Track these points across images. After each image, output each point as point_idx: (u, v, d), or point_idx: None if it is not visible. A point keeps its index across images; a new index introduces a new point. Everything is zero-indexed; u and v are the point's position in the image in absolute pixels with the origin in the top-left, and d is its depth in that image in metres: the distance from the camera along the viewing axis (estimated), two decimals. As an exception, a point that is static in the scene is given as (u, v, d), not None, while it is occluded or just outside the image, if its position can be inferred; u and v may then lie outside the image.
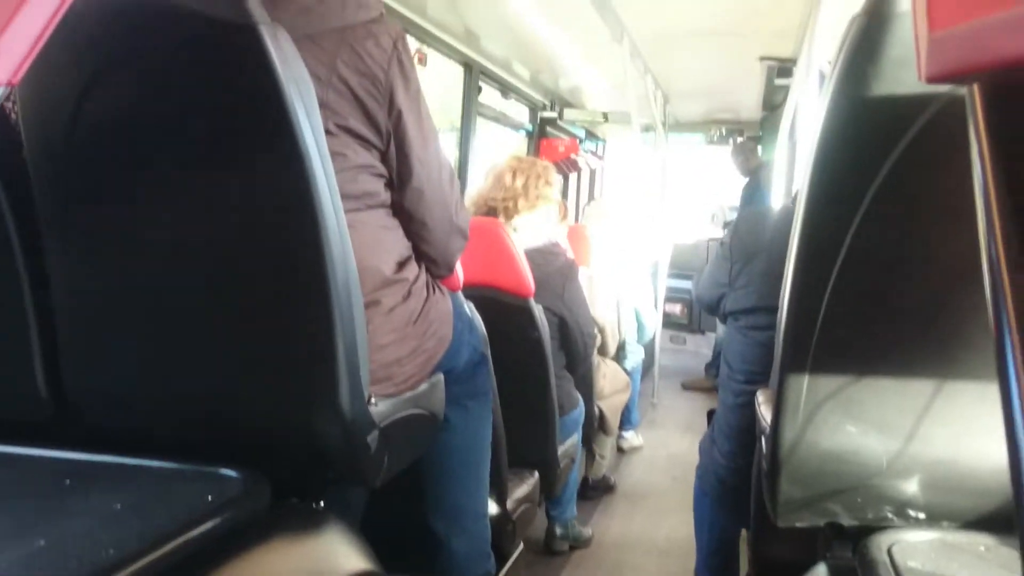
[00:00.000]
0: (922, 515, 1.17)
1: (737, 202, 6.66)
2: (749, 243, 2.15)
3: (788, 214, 2.12)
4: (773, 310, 2.02)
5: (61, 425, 1.26)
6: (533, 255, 2.70)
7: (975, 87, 0.56)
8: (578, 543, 3.28)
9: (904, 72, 0.88)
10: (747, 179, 6.46)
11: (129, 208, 1.17)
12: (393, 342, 1.37)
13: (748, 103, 6.17)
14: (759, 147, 6.63)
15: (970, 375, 1.04)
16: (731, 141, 6.80)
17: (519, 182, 2.79)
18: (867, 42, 0.90)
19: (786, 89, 4.68)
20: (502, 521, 2.24)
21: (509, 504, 2.30)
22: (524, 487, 2.49)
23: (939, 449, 1.11)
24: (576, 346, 2.87)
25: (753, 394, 1.79)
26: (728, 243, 2.23)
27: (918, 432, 1.09)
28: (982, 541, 1.12)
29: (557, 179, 2.97)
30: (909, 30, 0.90)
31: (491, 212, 2.78)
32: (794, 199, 2.14)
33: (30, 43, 0.66)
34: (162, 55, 1.09)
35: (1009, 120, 0.54)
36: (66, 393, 1.25)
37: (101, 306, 1.23)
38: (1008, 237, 0.51)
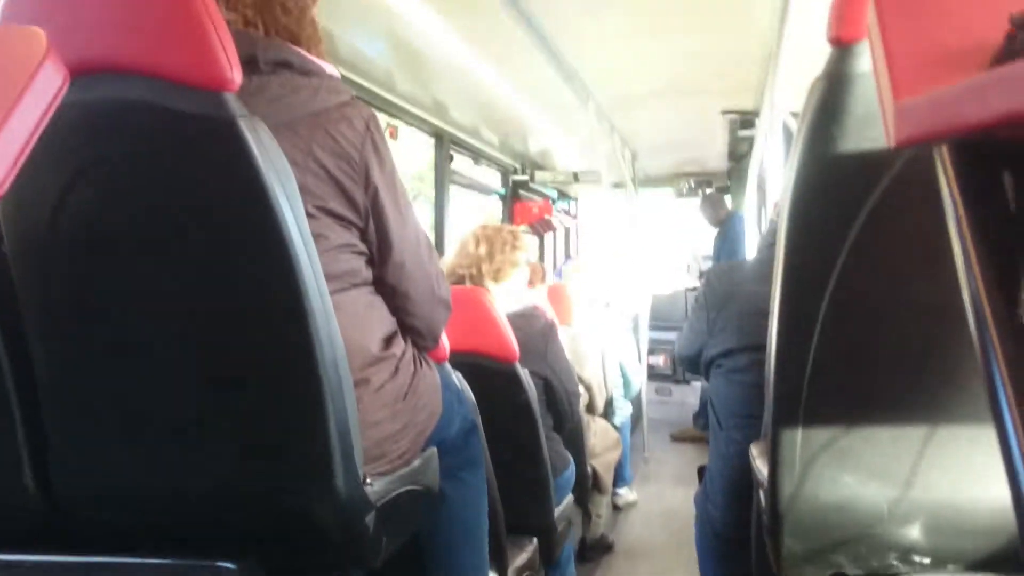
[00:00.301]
0: (927, 560, 1.17)
1: (711, 251, 6.73)
2: (721, 290, 2.20)
3: (758, 262, 2.17)
4: (751, 349, 2.06)
5: (52, 528, 1.24)
6: (513, 319, 2.71)
7: (944, 149, 0.58)
8: None
9: (869, 129, 0.91)
10: (718, 229, 6.54)
11: (114, 303, 1.17)
12: (384, 419, 1.37)
13: (714, 155, 6.28)
14: (727, 197, 6.74)
15: (963, 417, 1.05)
16: (700, 193, 6.90)
17: (483, 249, 2.80)
18: (830, 104, 0.93)
19: (750, 140, 4.78)
20: (504, 592, 2.21)
21: (510, 574, 2.27)
22: (524, 555, 2.46)
23: (938, 493, 1.11)
24: (562, 405, 2.86)
25: (743, 443, 1.80)
26: (703, 294, 2.27)
27: (916, 477, 1.10)
28: None
29: (532, 241, 3.00)
30: (870, 89, 0.93)
31: (459, 281, 2.79)
32: (761, 250, 2.19)
33: (13, 158, 0.67)
34: (143, 152, 1.10)
35: (979, 176, 0.56)
36: (56, 495, 1.23)
37: (89, 403, 1.22)
38: (990, 290, 0.52)
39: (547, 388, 2.80)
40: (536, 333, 2.80)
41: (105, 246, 1.15)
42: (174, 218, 1.12)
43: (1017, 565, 1.14)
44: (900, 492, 1.12)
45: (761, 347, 1.19)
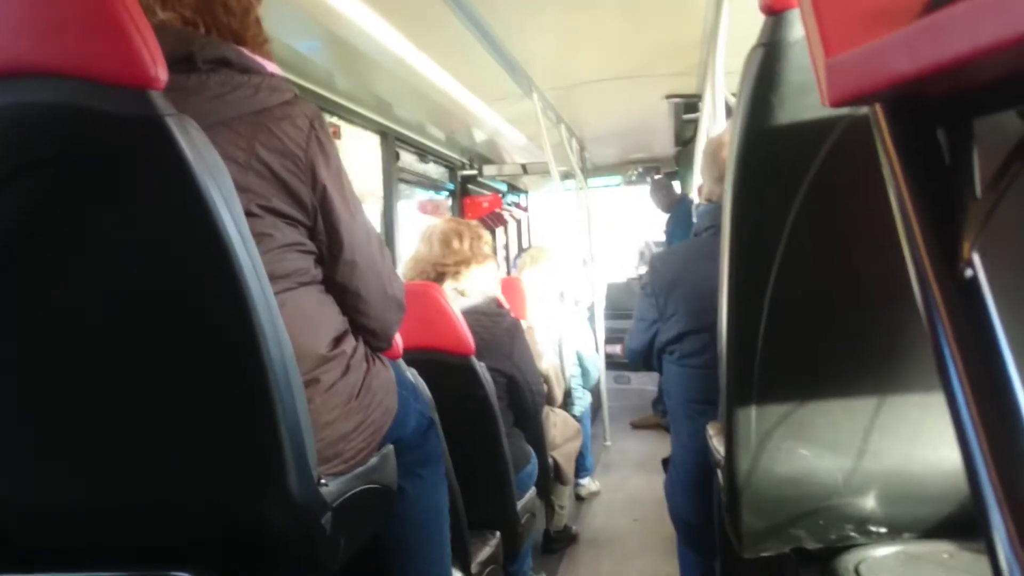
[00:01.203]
0: (883, 529, 1.18)
1: (663, 237, 6.78)
2: (667, 275, 2.20)
3: (695, 243, 2.18)
4: (703, 330, 2.07)
5: (-4, 549, 1.20)
6: (478, 317, 2.70)
7: (877, 107, 0.58)
8: None
9: (807, 98, 0.91)
10: (669, 214, 6.58)
11: (44, 313, 1.13)
12: (337, 419, 1.34)
13: (660, 141, 6.32)
14: (676, 182, 6.79)
15: (912, 385, 1.06)
16: (648, 180, 6.94)
17: (466, 244, 2.82)
18: (767, 72, 0.93)
19: (695, 123, 4.81)
20: (469, 587, 2.19)
21: (473, 568, 2.26)
22: (487, 549, 2.45)
23: (891, 462, 1.12)
24: (526, 404, 2.85)
25: (703, 430, 1.80)
26: (648, 282, 2.27)
27: (869, 447, 1.11)
28: (944, 548, 1.13)
29: (486, 235, 3.00)
30: (805, 57, 0.93)
31: (440, 277, 2.78)
32: (697, 233, 2.20)
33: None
34: (68, 157, 1.06)
35: (913, 133, 0.56)
36: (-2, 514, 1.19)
37: (27, 417, 1.18)
38: (931, 247, 0.52)
39: (511, 386, 2.79)
40: (502, 332, 2.79)
41: (33, 256, 1.11)
42: (105, 224, 1.08)
43: (967, 531, 1.16)
44: (854, 463, 1.12)
45: (713, 327, 1.19)
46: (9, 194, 1.08)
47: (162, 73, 1.01)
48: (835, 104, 0.57)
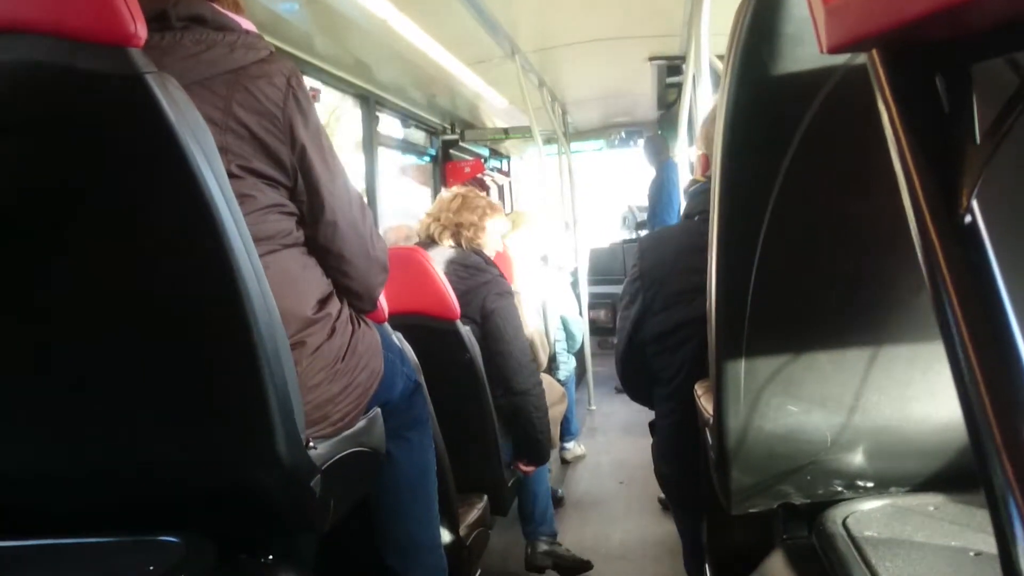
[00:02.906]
0: (871, 484, 1.19)
1: (645, 202, 6.77)
2: (657, 267, 2.11)
3: (687, 229, 2.11)
4: (695, 321, 2.01)
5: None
6: (456, 267, 2.73)
7: (875, 53, 0.57)
8: (564, 563, 3.11)
9: (800, 49, 0.90)
10: (653, 178, 6.57)
11: (28, 274, 1.11)
12: (324, 381, 1.34)
13: (643, 104, 6.30)
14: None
15: (900, 338, 1.06)
16: (632, 143, 6.93)
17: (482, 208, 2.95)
18: (760, 23, 0.92)
19: (678, 87, 4.78)
20: (457, 549, 2.21)
21: (462, 531, 2.27)
22: (475, 512, 2.46)
23: (879, 417, 1.13)
24: (506, 367, 2.82)
25: (688, 396, 1.80)
26: (638, 273, 2.16)
27: (858, 402, 1.11)
28: (931, 501, 1.14)
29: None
30: (799, 7, 0.92)
31: (458, 231, 2.86)
32: (689, 215, 2.13)
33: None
34: (47, 116, 1.04)
35: (912, 80, 0.55)
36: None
37: (12, 381, 1.17)
38: (929, 194, 0.51)
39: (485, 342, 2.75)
40: (478, 285, 2.78)
41: (13, 218, 1.09)
42: (86, 184, 1.06)
43: (955, 484, 1.17)
44: (843, 418, 1.13)
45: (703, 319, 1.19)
46: (-12, 155, 1.06)
47: (141, 30, 0.99)
48: (832, 50, 0.56)
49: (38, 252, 1.10)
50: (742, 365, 1.12)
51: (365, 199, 4.16)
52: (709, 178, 2.05)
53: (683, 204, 2.33)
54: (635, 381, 2.36)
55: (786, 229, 1.01)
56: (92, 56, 0.98)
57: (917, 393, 1.09)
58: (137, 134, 1.03)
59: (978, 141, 0.51)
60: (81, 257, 1.10)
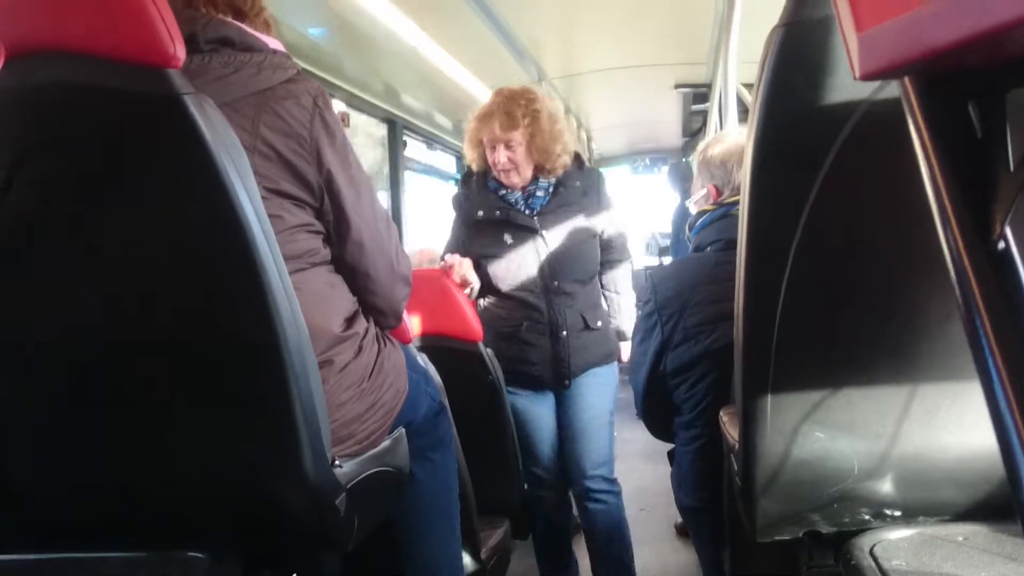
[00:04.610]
0: (898, 513, 1.18)
1: (669, 228, 6.76)
2: (674, 299, 2.08)
3: (700, 261, 2.10)
4: (717, 352, 1.98)
5: (15, 527, 1.20)
6: None
7: (907, 81, 0.57)
8: None
9: (829, 77, 0.90)
10: (678, 203, 6.57)
11: (64, 292, 1.13)
12: (350, 399, 1.34)
13: (668, 131, 6.32)
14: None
15: (930, 366, 1.06)
16: (655, 171, 6.95)
17: None
18: (789, 52, 0.92)
19: (703, 115, 4.80)
20: (478, 573, 2.19)
21: (483, 554, 2.26)
22: (496, 535, 2.45)
23: (908, 444, 1.12)
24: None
25: (710, 425, 1.78)
26: (653, 308, 2.14)
27: (886, 430, 1.10)
28: (960, 531, 1.13)
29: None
30: (828, 35, 0.92)
31: None
32: (700, 247, 2.11)
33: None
34: (86, 135, 1.06)
35: (945, 107, 0.56)
36: (15, 493, 1.19)
37: (44, 395, 1.18)
38: (962, 220, 0.52)
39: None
40: None
41: (51, 236, 1.11)
42: (123, 202, 1.08)
43: (985, 514, 1.16)
44: (870, 446, 1.12)
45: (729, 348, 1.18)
46: (25, 174, 1.08)
47: (180, 52, 1.01)
48: (866, 78, 0.56)
49: (72, 269, 1.12)
50: (769, 391, 1.12)
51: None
52: (719, 206, 2.06)
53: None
54: (656, 415, 2.34)
55: (814, 258, 1.01)
56: (131, 76, 1.00)
57: (947, 422, 1.08)
58: (174, 154, 1.05)
59: (1012, 168, 0.52)
60: (114, 274, 1.12)
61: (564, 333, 2.55)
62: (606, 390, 2.67)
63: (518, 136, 2.48)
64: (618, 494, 2.70)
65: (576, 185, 2.60)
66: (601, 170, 3.13)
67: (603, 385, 2.65)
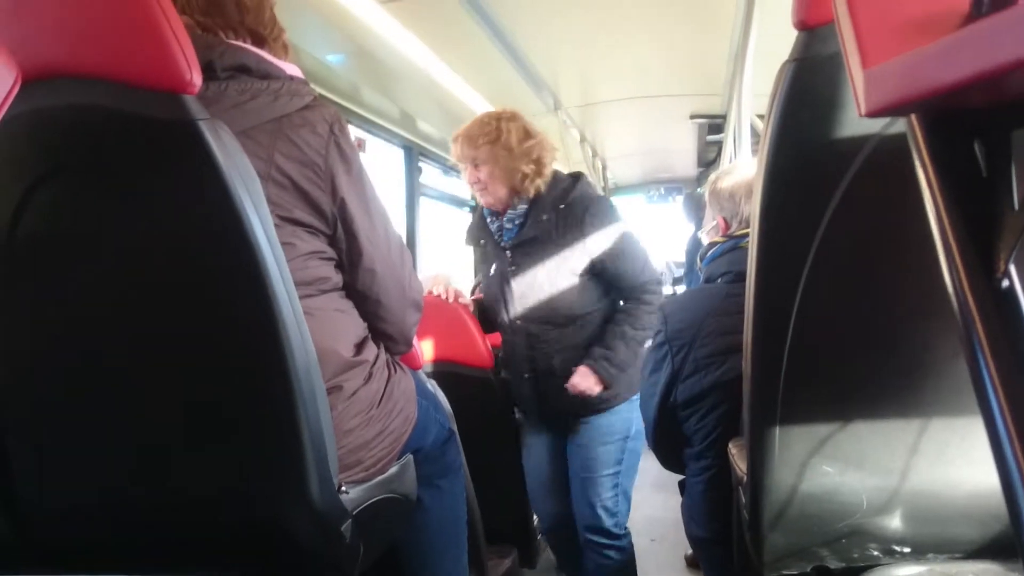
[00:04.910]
0: (908, 549, 1.16)
1: (683, 258, 6.75)
2: (685, 331, 2.05)
3: (710, 293, 2.09)
4: (727, 385, 1.98)
5: (21, 551, 1.20)
6: None
7: (913, 118, 0.58)
8: None
9: (839, 113, 0.91)
10: (692, 233, 6.57)
11: (77, 315, 1.14)
12: (359, 426, 1.34)
13: (683, 161, 6.33)
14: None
15: (938, 402, 1.05)
16: (670, 200, 6.96)
17: None
18: (799, 87, 0.93)
19: (718, 145, 4.82)
20: (485, 602, 2.18)
21: (490, 583, 2.24)
22: (504, 564, 2.44)
23: (917, 480, 1.11)
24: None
25: (721, 456, 1.77)
26: (663, 339, 2.11)
27: (895, 465, 1.10)
28: (970, 569, 1.11)
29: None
30: (838, 71, 0.93)
31: None
32: (710, 279, 2.11)
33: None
34: (102, 159, 1.07)
35: (951, 145, 0.56)
36: (23, 516, 1.20)
37: (53, 419, 1.19)
38: (967, 258, 0.52)
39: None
40: None
41: (67, 259, 1.13)
42: (137, 227, 1.09)
43: (997, 552, 1.14)
44: (879, 481, 1.11)
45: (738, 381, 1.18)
46: (40, 197, 1.09)
47: (197, 78, 1.02)
48: (871, 115, 0.57)
49: (84, 291, 1.13)
50: (777, 424, 1.11)
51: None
52: (728, 238, 2.06)
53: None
54: (666, 446, 2.32)
55: (822, 292, 1.01)
56: (147, 101, 1.01)
57: (957, 458, 1.07)
58: (188, 179, 1.06)
59: (1016, 206, 0.52)
60: (125, 297, 1.12)
61: (536, 375, 2.43)
62: (608, 440, 2.48)
63: (481, 154, 2.41)
64: (623, 548, 2.55)
65: (560, 209, 2.39)
66: (611, 197, 3.09)
67: (603, 435, 2.48)
